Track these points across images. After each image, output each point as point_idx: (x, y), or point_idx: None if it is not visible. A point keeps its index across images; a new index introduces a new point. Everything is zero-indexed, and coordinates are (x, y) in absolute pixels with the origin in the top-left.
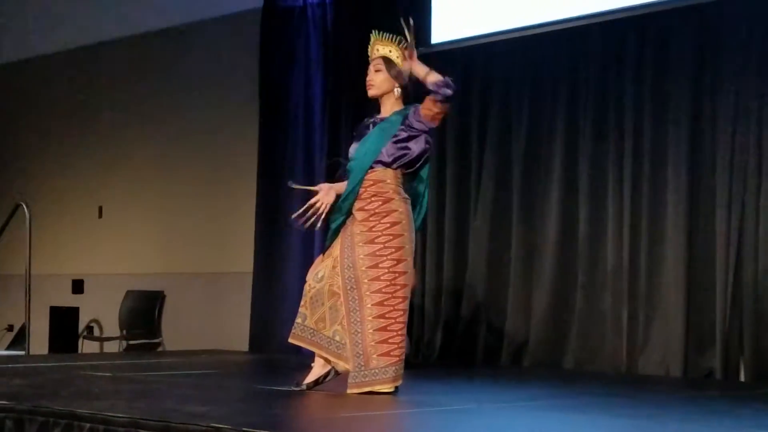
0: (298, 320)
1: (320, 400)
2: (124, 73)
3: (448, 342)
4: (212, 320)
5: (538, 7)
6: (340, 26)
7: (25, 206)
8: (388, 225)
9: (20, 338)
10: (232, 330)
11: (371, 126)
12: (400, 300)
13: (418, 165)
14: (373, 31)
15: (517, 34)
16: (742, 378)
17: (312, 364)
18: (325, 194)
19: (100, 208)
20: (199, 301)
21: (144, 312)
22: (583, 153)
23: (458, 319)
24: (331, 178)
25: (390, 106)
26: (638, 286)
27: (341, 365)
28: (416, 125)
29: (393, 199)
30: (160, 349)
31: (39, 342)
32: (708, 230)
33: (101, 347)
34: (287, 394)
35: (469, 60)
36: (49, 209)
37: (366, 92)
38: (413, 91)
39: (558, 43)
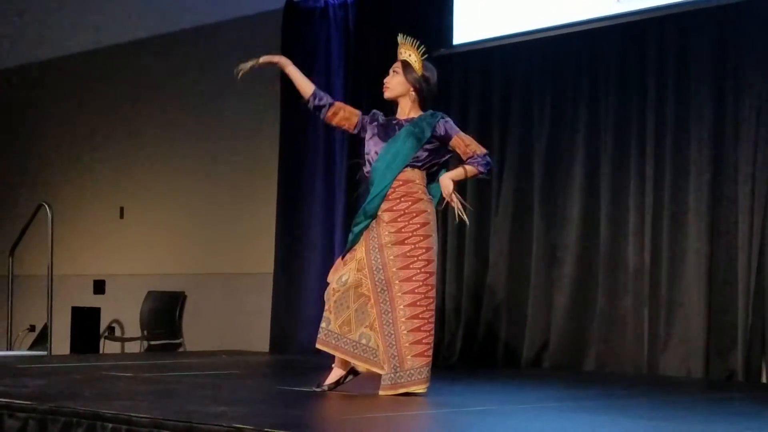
0: (323, 324)
1: (341, 401)
2: (145, 74)
3: (468, 344)
4: (233, 321)
5: (559, 8)
6: (362, 27)
7: (47, 207)
8: (418, 225)
9: (42, 339)
10: (252, 331)
11: (396, 128)
12: (431, 300)
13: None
14: (400, 35)
15: (538, 35)
16: (764, 379)
17: (332, 365)
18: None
19: (122, 209)
20: (220, 301)
21: (165, 312)
22: (604, 153)
23: (479, 321)
24: (353, 179)
25: (407, 109)
26: (659, 287)
27: (365, 368)
28: (446, 141)
29: (422, 199)
30: (181, 349)
31: (60, 342)
32: (730, 231)
33: (122, 348)
34: (308, 394)
35: (491, 61)
36: (71, 210)
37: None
38: (432, 95)
39: (579, 43)
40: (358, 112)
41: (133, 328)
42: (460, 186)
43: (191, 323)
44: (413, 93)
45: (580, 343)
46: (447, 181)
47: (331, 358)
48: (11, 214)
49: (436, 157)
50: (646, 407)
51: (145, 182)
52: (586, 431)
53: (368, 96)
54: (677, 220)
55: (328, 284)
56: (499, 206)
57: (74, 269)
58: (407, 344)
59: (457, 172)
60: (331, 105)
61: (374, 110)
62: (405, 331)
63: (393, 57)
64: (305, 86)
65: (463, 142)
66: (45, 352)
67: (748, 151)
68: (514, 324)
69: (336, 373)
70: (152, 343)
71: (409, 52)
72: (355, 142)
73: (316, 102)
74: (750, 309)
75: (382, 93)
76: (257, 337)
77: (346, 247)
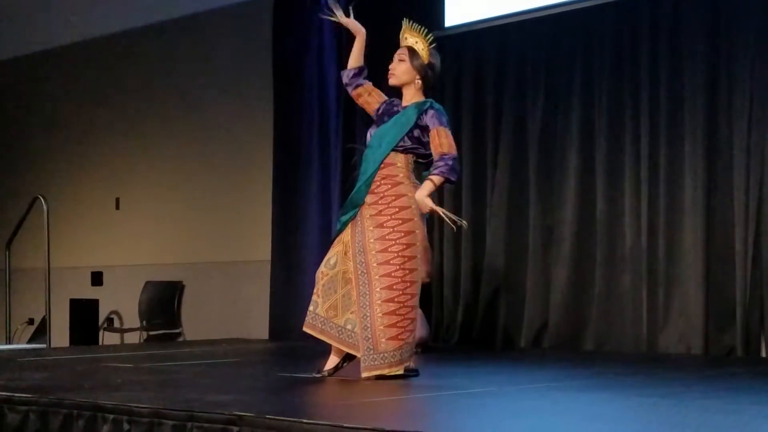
0: (311, 308)
1: (341, 386)
2: (139, 64)
3: (467, 326)
4: (231, 309)
5: None
6: (354, 12)
7: (42, 199)
8: (397, 209)
9: (41, 331)
10: (251, 318)
11: (394, 113)
12: (410, 284)
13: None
14: (405, 19)
15: (530, 16)
16: (764, 354)
17: (331, 351)
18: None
19: (117, 200)
20: (218, 290)
21: (163, 302)
22: (599, 133)
23: (477, 303)
24: (348, 165)
25: (411, 96)
26: (657, 265)
27: (353, 353)
28: (426, 131)
29: (402, 183)
30: (180, 339)
31: (60, 335)
32: (726, 208)
33: (122, 338)
34: (309, 381)
35: (483, 43)
36: (67, 202)
37: (385, 79)
38: (436, 83)
39: (571, 22)
40: (382, 99)
41: (131, 319)
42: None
43: (190, 312)
44: (419, 81)
45: (579, 323)
46: (422, 199)
47: (329, 344)
48: (6, 208)
49: (421, 145)
50: (646, 385)
51: (140, 173)
52: (586, 410)
53: None
54: (673, 199)
55: None
56: (495, 189)
57: (71, 261)
58: (381, 327)
59: (428, 186)
60: (359, 86)
61: (393, 98)
62: (380, 314)
63: (386, 42)
64: (354, 61)
65: (438, 137)
66: (44, 345)
67: (742, 126)
68: (512, 305)
69: (333, 359)
70: (151, 333)
71: (415, 39)
72: (350, 128)
73: (348, 79)
74: (748, 285)
75: (377, 78)
76: (256, 324)
77: (336, 231)
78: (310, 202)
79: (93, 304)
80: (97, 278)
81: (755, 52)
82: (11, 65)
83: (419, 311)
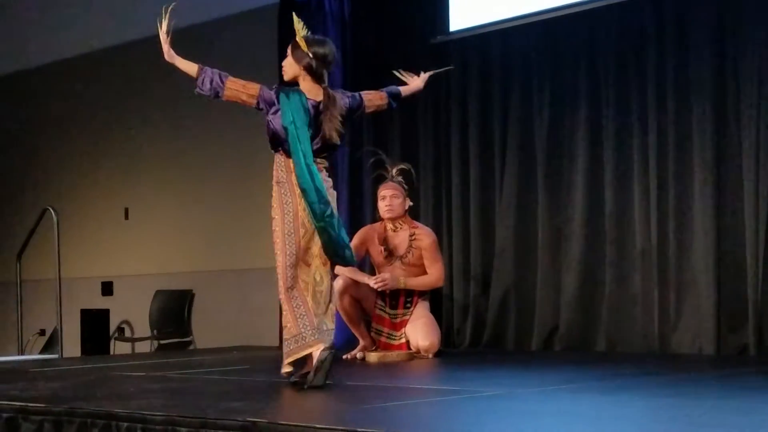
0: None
1: (355, 391)
2: (145, 74)
3: (478, 330)
4: (242, 316)
5: None
6: (358, 18)
7: (52, 211)
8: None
9: (52, 342)
10: (262, 325)
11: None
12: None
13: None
14: (294, 16)
15: (535, 18)
16: None
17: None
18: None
19: (126, 210)
20: (229, 298)
21: (174, 311)
22: (607, 132)
23: (487, 307)
24: (354, 169)
25: (307, 87)
26: (668, 264)
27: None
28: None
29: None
30: (191, 347)
31: (71, 345)
32: (736, 205)
33: (132, 348)
34: (322, 386)
35: (488, 46)
36: (76, 213)
37: (387, 83)
38: (327, 68)
39: (576, 24)
40: (261, 85)
41: (142, 328)
42: (463, 171)
43: (200, 321)
44: (304, 72)
45: (590, 325)
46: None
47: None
48: (16, 220)
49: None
50: (659, 385)
51: (148, 182)
52: (601, 411)
53: (367, 88)
54: (683, 197)
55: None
56: (503, 191)
57: (81, 272)
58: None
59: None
60: (224, 81)
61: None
62: None
63: (390, 47)
64: (190, 68)
65: (370, 92)
66: (56, 356)
67: (751, 127)
68: (523, 308)
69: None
70: (162, 342)
71: (300, 31)
72: (354, 133)
73: (208, 87)
74: (760, 283)
75: (381, 83)
76: (266, 331)
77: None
78: None
79: (104, 314)
80: (107, 288)
81: (764, 51)
82: (20, 77)
83: (432, 317)
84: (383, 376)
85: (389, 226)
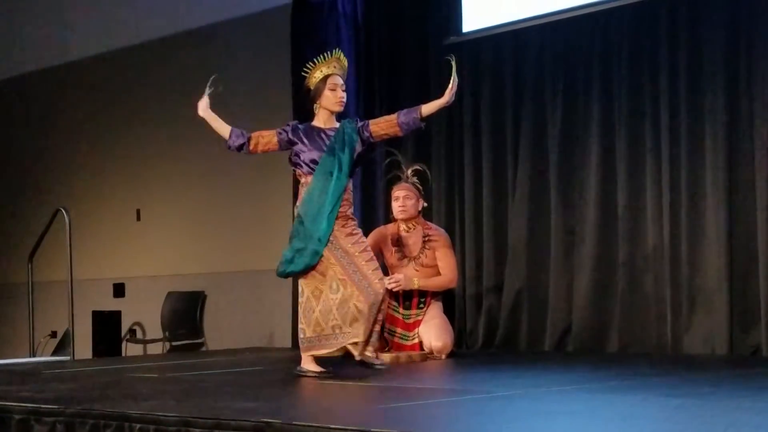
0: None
1: (368, 391)
2: (158, 75)
3: (491, 331)
4: (254, 318)
5: None
6: (371, 19)
7: (64, 212)
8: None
9: (64, 344)
10: (274, 327)
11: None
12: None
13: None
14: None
15: (547, 19)
16: None
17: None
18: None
19: (138, 211)
20: (240, 299)
21: (186, 313)
22: (619, 134)
23: (500, 308)
24: (367, 172)
25: (323, 119)
26: (680, 265)
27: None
28: (367, 126)
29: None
30: (203, 349)
31: (83, 347)
32: (748, 205)
33: (144, 349)
34: (335, 386)
35: (501, 47)
36: (88, 214)
37: (405, 87)
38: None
39: (589, 25)
40: (276, 130)
41: (154, 330)
42: (476, 172)
43: (212, 322)
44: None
45: (602, 325)
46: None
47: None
48: (28, 221)
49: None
50: (672, 385)
51: (160, 183)
52: (615, 411)
53: (380, 88)
54: (695, 199)
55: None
56: (516, 191)
57: (93, 273)
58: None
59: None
60: (249, 140)
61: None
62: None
63: (403, 48)
64: (223, 129)
65: (380, 120)
66: (68, 357)
67: (764, 126)
68: (535, 309)
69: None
70: (174, 343)
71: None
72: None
73: (238, 145)
74: None
75: (394, 84)
76: (279, 333)
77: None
78: None
79: (115, 316)
80: (119, 290)
81: None
82: (32, 78)
83: (445, 318)
84: (396, 376)
85: (402, 226)
